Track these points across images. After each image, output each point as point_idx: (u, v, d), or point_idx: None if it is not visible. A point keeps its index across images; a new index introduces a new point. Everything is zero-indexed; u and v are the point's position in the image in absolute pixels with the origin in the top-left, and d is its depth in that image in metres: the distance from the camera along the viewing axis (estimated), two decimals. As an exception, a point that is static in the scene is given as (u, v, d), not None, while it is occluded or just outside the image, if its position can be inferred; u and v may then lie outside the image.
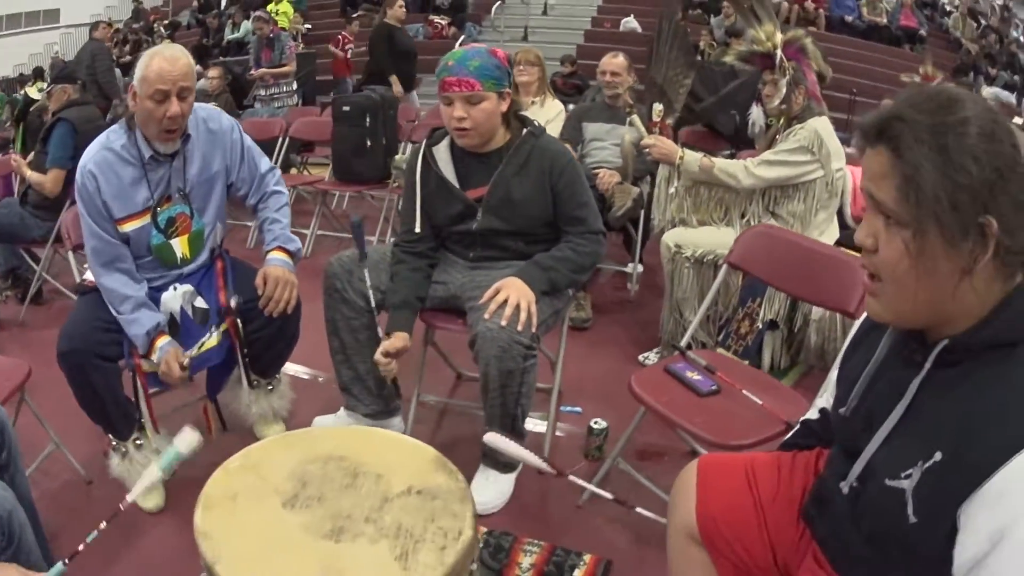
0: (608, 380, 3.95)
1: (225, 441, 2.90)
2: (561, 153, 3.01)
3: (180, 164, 2.93)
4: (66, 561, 1.78)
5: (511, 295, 2.72)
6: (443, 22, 15.95)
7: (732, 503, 1.73)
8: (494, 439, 1.92)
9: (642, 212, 5.09)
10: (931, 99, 1.28)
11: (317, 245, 6.20)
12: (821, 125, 3.78)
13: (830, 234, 3.85)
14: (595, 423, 3.30)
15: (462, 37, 14.68)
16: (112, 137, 2.89)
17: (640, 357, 4.23)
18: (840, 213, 4.03)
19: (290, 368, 3.57)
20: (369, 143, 6.30)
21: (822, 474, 1.65)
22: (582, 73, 11.65)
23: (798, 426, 1.92)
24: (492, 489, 2.94)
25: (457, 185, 3.00)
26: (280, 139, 6.98)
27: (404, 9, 8.83)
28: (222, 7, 19.86)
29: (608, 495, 2.07)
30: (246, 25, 15.81)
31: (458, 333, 3.01)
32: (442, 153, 3.05)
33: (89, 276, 2.99)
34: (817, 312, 3.73)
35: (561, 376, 3.35)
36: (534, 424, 3.20)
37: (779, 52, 3.85)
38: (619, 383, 3.44)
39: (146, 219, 2.89)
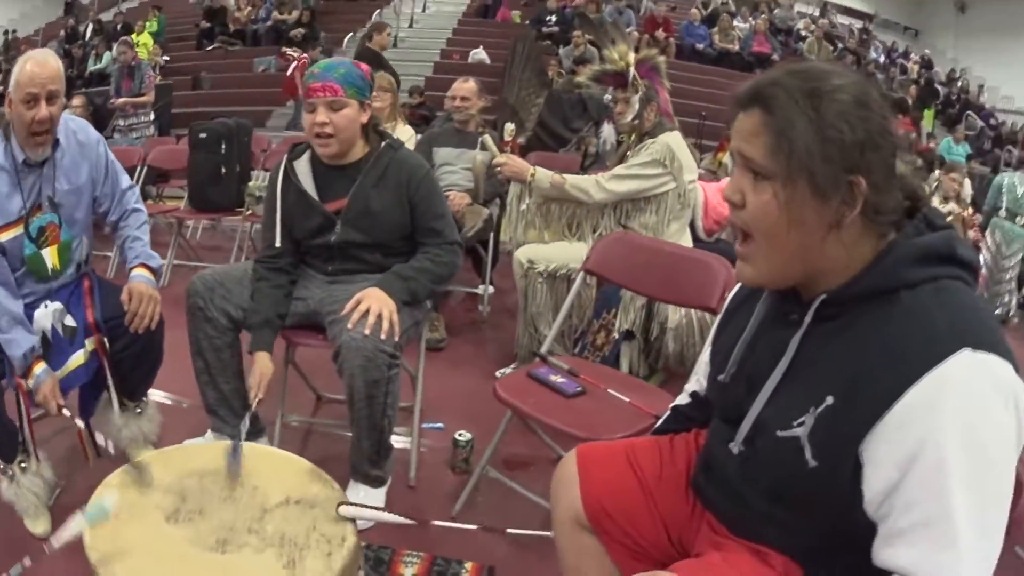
0: (467, 396, 3.99)
1: (102, 466, 2.74)
2: (419, 166, 3.07)
3: (50, 172, 2.88)
4: None
5: (373, 305, 2.74)
6: (295, 54, 15.85)
7: (617, 487, 1.75)
8: (349, 511, 1.91)
9: (491, 234, 5.19)
10: (806, 70, 1.37)
11: (174, 275, 6.03)
12: (673, 139, 3.93)
13: (683, 245, 3.92)
14: (459, 435, 3.32)
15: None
16: None
17: (497, 373, 4.24)
18: (692, 227, 4.16)
19: (154, 395, 3.48)
20: (224, 170, 6.34)
21: (706, 443, 1.69)
22: (430, 104, 11.73)
23: (668, 412, 1.96)
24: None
25: (316, 198, 3.02)
26: (138, 168, 6.84)
27: (391, 37, 8.80)
28: (87, 38, 19.49)
29: (474, 526, 2.09)
30: (108, 56, 15.57)
31: (319, 349, 3.00)
32: (302, 167, 3.07)
33: None
34: (674, 320, 3.83)
35: (422, 393, 3.36)
36: (397, 441, 3.18)
37: (632, 70, 3.98)
38: (479, 399, 3.50)
39: (19, 229, 2.83)
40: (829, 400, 1.32)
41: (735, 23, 17.89)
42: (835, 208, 1.32)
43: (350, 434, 2.94)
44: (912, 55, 21.65)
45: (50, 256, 2.91)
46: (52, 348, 2.84)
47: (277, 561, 1.65)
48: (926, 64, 20.87)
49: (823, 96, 1.31)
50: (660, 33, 15.94)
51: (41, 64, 2.73)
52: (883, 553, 1.26)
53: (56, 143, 2.86)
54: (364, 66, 3.02)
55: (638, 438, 1.94)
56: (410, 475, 3.22)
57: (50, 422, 3.15)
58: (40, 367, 2.74)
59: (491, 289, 5.43)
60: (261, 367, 2.89)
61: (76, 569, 1.78)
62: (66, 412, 2.73)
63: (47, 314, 2.85)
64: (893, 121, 1.37)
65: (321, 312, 2.97)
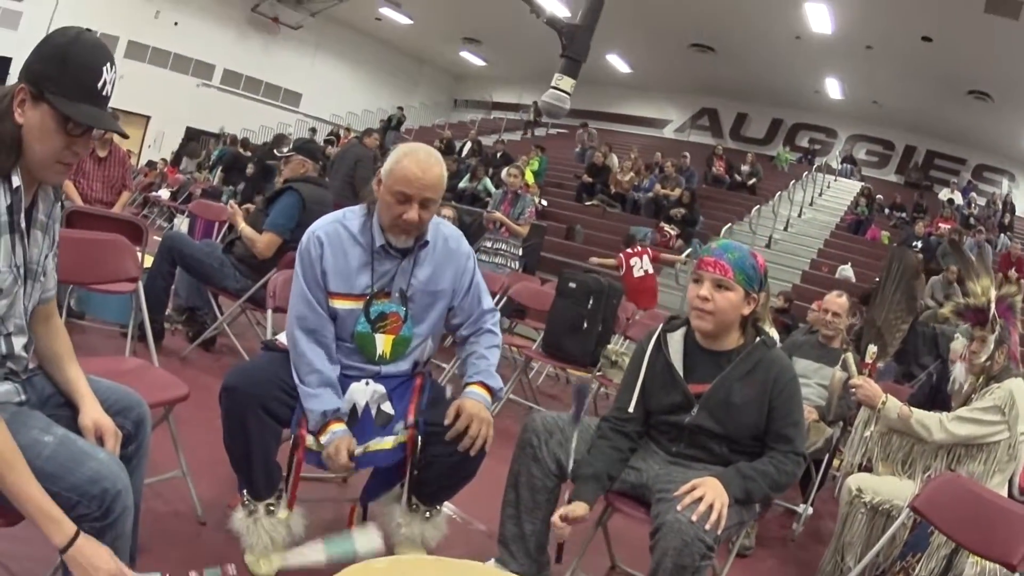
0: (757, 611, 3.82)
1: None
2: (788, 368, 3.01)
3: (409, 266, 2.96)
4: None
5: (708, 493, 2.67)
6: (672, 232, 16.13)
7: None
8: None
9: (826, 456, 5.03)
10: None
11: (505, 408, 5.95)
12: (1016, 386, 3.73)
13: (1002, 497, 3.71)
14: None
15: (687, 251, 14.68)
16: (349, 216, 2.94)
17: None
18: (1009, 481, 3.92)
19: (446, 505, 3.45)
20: (586, 325, 6.23)
21: None
22: (794, 312, 11.50)
23: None
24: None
25: (682, 375, 3.01)
26: (498, 295, 6.79)
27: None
28: (462, 154, 20.83)
29: None
30: (486, 182, 16.44)
31: (630, 522, 2.94)
32: (675, 341, 3.07)
33: (281, 338, 3.02)
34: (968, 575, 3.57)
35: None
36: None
37: (992, 307, 3.85)
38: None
39: (359, 304, 2.91)
40: None
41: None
42: None
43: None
44: None
45: (383, 343, 2.94)
46: (358, 425, 2.86)
47: None
48: None
49: None
50: (1012, 272, 15.04)
51: (423, 167, 2.78)
52: None
53: (424, 242, 2.94)
54: (761, 259, 3.01)
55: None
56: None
57: (327, 488, 3.25)
58: (339, 426, 2.78)
59: (810, 511, 5.20)
60: (577, 510, 2.82)
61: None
62: (351, 464, 2.75)
63: (365, 391, 2.89)
64: None
65: (651, 487, 2.90)
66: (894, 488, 3.87)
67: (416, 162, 2.80)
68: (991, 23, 16.47)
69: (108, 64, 2.06)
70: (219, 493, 3.22)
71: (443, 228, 3.05)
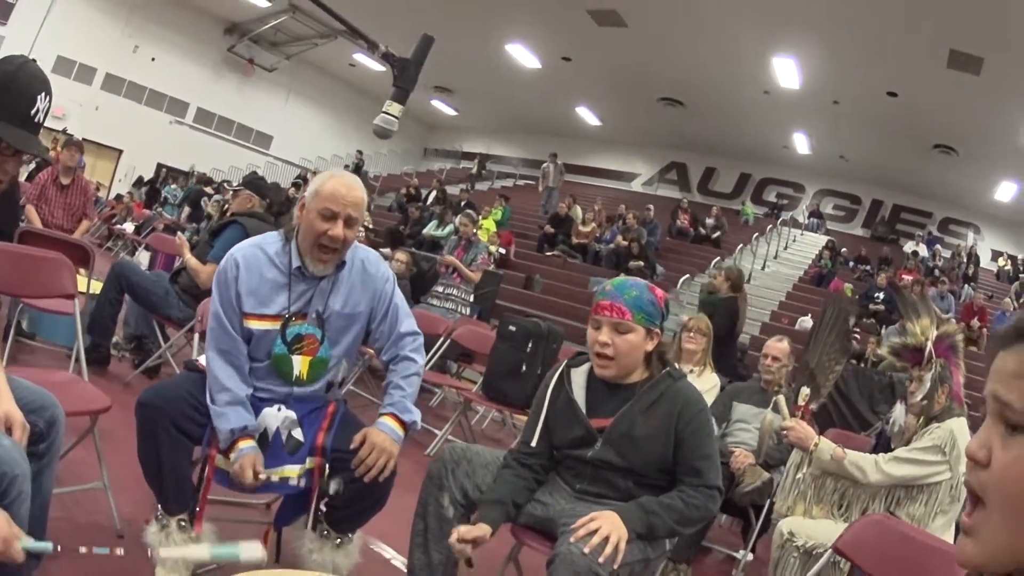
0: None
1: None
2: (695, 400, 2.96)
3: (327, 287, 3.00)
4: (59, 548, 1.94)
5: (604, 525, 2.63)
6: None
7: None
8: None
9: (768, 502, 4.98)
10: None
11: (443, 448, 5.95)
12: (957, 426, 3.70)
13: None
14: None
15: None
16: (268, 240, 3.01)
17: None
18: (958, 524, 3.89)
19: (368, 538, 3.45)
20: (524, 368, 6.29)
21: None
22: (748, 362, 11.49)
23: None
24: None
25: (584, 410, 2.99)
26: (442, 339, 7.01)
27: None
28: (427, 202, 20.95)
29: None
30: (451, 227, 16.28)
31: (543, 555, 2.92)
32: (578, 376, 3.06)
33: (203, 360, 3.04)
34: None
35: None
36: None
37: (929, 346, 3.83)
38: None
39: (275, 325, 2.94)
40: None
41: (1044, 314, 16.82)
42: None
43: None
44: None
45: (300, 364, 2.98)
46: (268, 449, 2.88)
47: None
48: None
49: None
50: (975, 322, 15.24)
51: (347, 187, 2.90)
52: None
53: (341, 264, 2.99)
54: (659, 293, 2.99)
55: None
56: None
57: (244, 511, 3.29)
58: (247, 443, 2.82)
59: (750, 556, 5.15)
60: (476, 530, 2.78)
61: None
62: (262, 476, 2.81)
63: (276, 416, 2.93)
64: None
65: (557, 522, 2.86)
66: (828, 531, 3.77)
67: (341, 182, 2.92)
68: (954, 79, 16.88)
69: (43, 94, 2.28)
70: (140, 510, 3.21)
71: (360, 251, 3.10)
